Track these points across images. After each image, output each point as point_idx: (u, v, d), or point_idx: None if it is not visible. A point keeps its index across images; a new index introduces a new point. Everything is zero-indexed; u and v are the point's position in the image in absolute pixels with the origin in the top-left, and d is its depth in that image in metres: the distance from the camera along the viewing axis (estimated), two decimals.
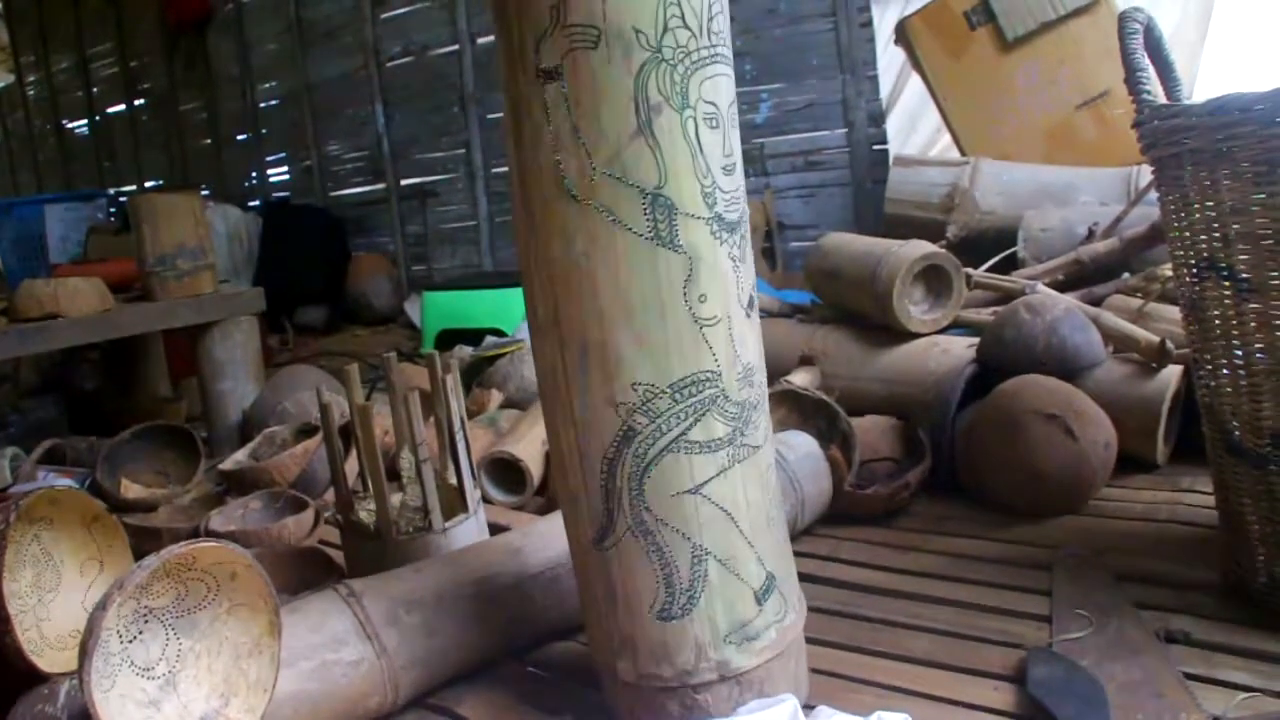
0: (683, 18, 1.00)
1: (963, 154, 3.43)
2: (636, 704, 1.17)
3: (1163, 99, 1.37)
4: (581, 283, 1.05)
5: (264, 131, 6.80)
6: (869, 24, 4.21)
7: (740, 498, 1.10)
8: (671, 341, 1.05)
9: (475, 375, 2.82)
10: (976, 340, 2.13)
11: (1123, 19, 1.37)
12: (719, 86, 1.04)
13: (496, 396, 2.63)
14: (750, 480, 1.11)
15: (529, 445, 2.13)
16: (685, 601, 1.11)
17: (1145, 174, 2.69)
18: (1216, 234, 1.26)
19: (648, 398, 1.06)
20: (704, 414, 1.07)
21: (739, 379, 1.08)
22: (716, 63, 1.04)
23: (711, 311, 1.05)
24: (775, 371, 2.29)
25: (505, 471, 2.13)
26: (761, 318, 2.89)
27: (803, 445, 1.79)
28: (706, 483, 1.08)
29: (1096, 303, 2.24)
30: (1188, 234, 1.32)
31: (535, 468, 2.10)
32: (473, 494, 1.65)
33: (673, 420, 1.06)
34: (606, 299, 1.05)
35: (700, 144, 1.03)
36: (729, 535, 1.10)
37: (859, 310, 2.40)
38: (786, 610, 1.17)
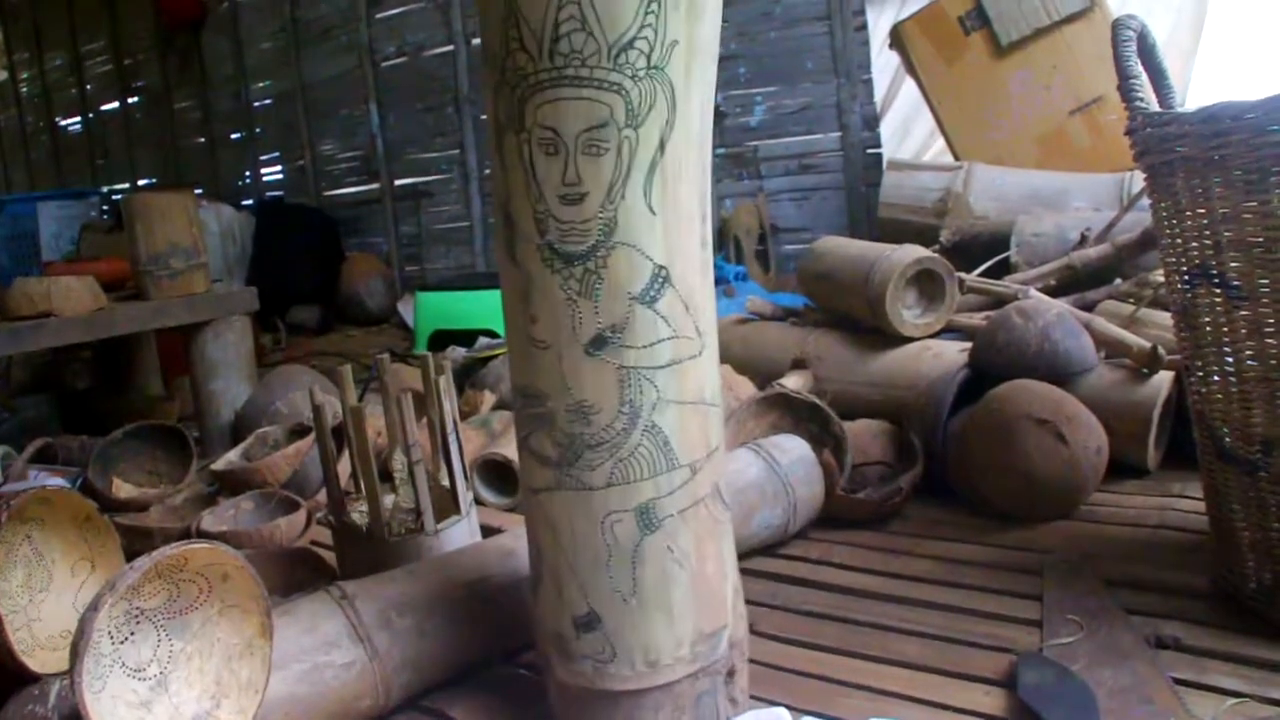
0: (521, 40, 0.97)
1: (956, 158, 3.43)
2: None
3: (1156, 106, 1.38)
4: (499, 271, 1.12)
5: (258, 131, 6.79)
6: (864, 28, 4.22)
7: (565, 524, 1.09)
8: (517, 349, 1.09)
9: (468, 376, 2.82)
10: (969, 345, 2.14)
11: (1116, 25, 1.38)
12: (562, 111, 0.98)
13: (489, 398, 2.63)
14: (579, 515, 1.08)
15: None
16: (533, 585, 1.17)
17: (1138, 180, 2.69)
18: (1208, 241, 1.27)
19: (512, 389, 1.13)
20: (536, 429, 1.09)
21: (569, 412, 1.06)
22: (562, 85, 0.97)
23: (542, 335, 1.05)
24: (768, 375, 2.30)
25: (497, 473, 2.13)
26: (754, 321, 2.89)
27: (795, 449, 1.79)
28: (540, 491, 1.10)
29: (1089, 308, 2.25)
30: (1180, 240, 1.32)
31: None
32: (465, 496, 1.65)
33: (521, 420, 1.11)
34: (501, 290, 1.11)
35: (534, 169, 1.01)
36: (555, 550, 1.11)
37: (852, 314, 2.40)
38: (614, 658, 1.11)
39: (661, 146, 1.00)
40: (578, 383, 1.05)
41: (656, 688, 1.12)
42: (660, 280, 1.03)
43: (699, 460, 1.10)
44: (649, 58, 0.97)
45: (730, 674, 1.17)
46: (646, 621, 1.10)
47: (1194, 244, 1.30)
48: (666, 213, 1.02)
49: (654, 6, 0.96)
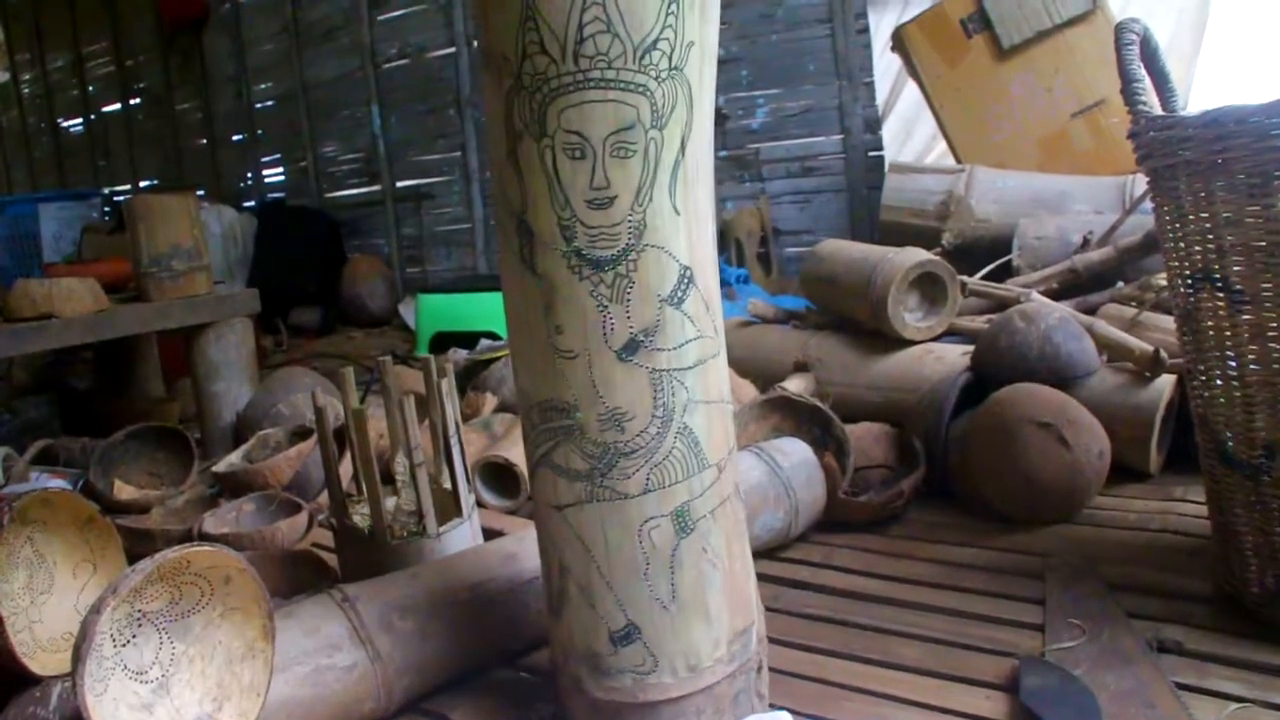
0: (541, 43, 0.95)
1: (958, 161, 3.43)
2: None
3: (1158, 109, 1.38)
4: (504, 284, 1.10)
5: (260, 132, 6.79)
6: (866, 30, 4.22)
7: (599, 536, 1.08)
8: (536, 362, 1.07)
9: (470, 379, 2.82)
10: (971, 348, 2.14)
11: (1119, 29, 1.38)
12: (588, 114, 0.96)
13: (491, 400, 2.63)
14: (614, 526, 1.07)
15: (523, 449, 2.12)
16: (557, 605, 1.15)
17: (1140, 183, 2.70)
18: (1211, 245, 1.27)
19: (526, 406, 1.10)
20: (561, 442, 1.07)
21: (601, 420, 1.04)
22: (588, 89, 0.96)
23: (568, 345, 1.03)
24: (770, 377, 2.30)
25: (499, 475, 2.12)
26: (756, 324, 2.89)
27: (797, 452, 1.79)
28: (567, 506, 1.08)
29: (1091, 311, 2.25)
30: (1182, 244, 1.32)
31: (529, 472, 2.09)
32: (467, 498, 1.65)
33: (540, 436, 1.09)
34: (508, 304, 1.10)
35: (558, 175, 0.98)
36: (587, 565, 1.09)
37: (854, 317, 2.40)
38: (655, 668, 1.10)
39: (683, 147, 1.01)
40: (610, 390, 1.03)
41: (698, 692, 1.12)
42: (686, 280, 1.04)
43: (724, 459, 1.10)
44: (670, 58, 0.98)
45: (759, 669, 1.18)
46: (686, 627, 1.10)
47: (1196, 248, 1.29)
48: (688, 213, 1.03)
49: (674, 7, 0.96)
